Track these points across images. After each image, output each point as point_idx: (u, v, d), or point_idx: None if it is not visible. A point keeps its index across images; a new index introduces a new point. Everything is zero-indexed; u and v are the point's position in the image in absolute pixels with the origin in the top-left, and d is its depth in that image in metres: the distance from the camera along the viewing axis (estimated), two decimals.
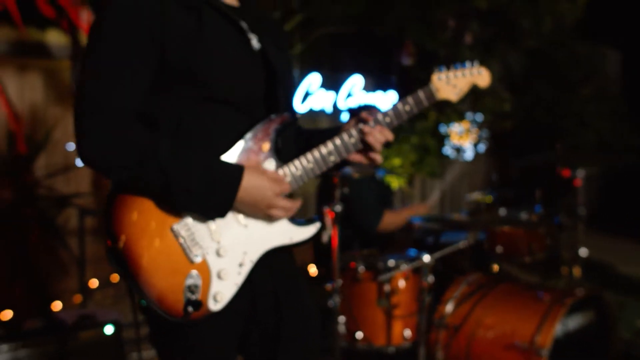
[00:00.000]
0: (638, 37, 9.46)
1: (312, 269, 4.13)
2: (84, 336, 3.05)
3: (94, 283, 5.02)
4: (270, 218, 1.64)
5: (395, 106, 1.83)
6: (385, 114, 1.81)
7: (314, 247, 3.95)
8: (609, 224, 7.73)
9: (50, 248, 4.53)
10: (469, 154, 6.41)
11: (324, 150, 1.74)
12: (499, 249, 3.52)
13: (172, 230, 1.55)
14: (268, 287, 1.73)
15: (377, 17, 5.47)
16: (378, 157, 1.82)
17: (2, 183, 4.24)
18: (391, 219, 3.87)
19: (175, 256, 1.55)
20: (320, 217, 3.13)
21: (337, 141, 1.75)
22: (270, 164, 1.68)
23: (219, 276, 1.58)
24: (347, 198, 3.11)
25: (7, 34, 4.70)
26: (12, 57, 4.74)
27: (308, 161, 1.71)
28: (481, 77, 1.99)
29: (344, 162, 1.86)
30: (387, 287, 3.15)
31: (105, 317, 3.21)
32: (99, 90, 1.50)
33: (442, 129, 6.39)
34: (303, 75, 5.62)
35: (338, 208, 2.93)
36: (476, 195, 4.39)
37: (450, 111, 6.36)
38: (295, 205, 1.66)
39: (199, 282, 1.56)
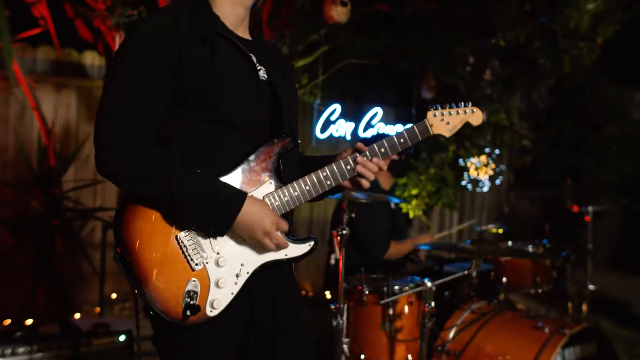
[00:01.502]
0: None
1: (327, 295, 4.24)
2: (97, 343, 3.20)
3: (113, 296, 5.19)
4: (262, 246, 1.77)
5: (391, 138, 1.96)
6: (381, 144, 1.95)
7: (325, 271, 4.07)
8: (629, 263, 7.68)
9: (73, 259, 4.72)
10: (486, 188, 6.48)
11: (321, 174, 1.87)
12: (504, 279, 3.59)
13: (176, 239, 1.70)
14: (267, 298, 1.86)
15: (400, 51, 5.63)
16: (365, 183, 1.95)
17: (32, 194, 4.46)
18: (396, 249, 3.99)
19: (178, 263, 1.69)
20: (330, 241, 3.27)
21: (335, 167, 1.89)
22: (270, 184, 1.82)
23: (216, 284, 1.72)
24: (355, 222, 3.22)
25: (47, 53, 4.98)
26: (51, 76, 5.01)
27: (305, 184, 1.85)
28: (474, 116, 2.11)
29: (338, 187, 1.99)
30: (390, 311, 3.24)
31: (118, 327, 3.35)
32: (120, 110, 1.67)
33: (461, 161, 6.48)
34: (325, 105, 5.80)
35: (344, 231, 3.05)
36: (488, 227, 4.48)
37: (469, 145, 6.46)
38: (286, 244, 1.79)
39: (198, 288, 1.69)
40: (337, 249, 3.14)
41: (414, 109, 6.20)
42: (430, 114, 2.05)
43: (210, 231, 1.70)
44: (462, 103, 2.10)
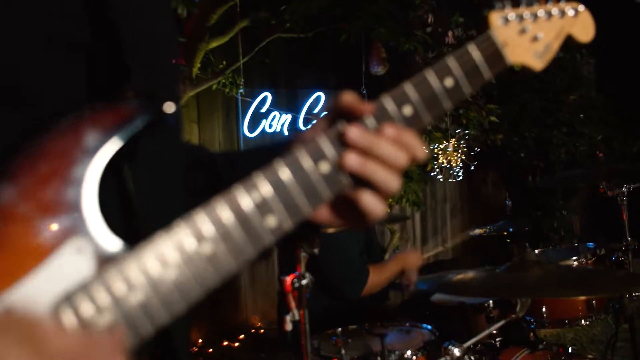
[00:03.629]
0: (612, 41, 8.66)
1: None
2: None
3: None
4: None
5: (423, 81, 0.83)
6: (402, 97, 0.79)
7: (280, 335, 2.86)
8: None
9: None
10: (458, 173, 5.39)
11: (247, 202, 0.66)
12: (544, 308, 2.42)
13: None
14: None
15: (340, 18, 4.44)
16: (379, 209, 0.78)
17: None
18: (377, 277, 2.80)
19: None
20: (281, 294, 2.02)
21: (286, 175, 0.68)
22: (75, 250, 0.57)
23: None
24: (320, 261, 2.04)
25: None
26: None
27: (201, 237, 0.62)
28: (579, 21, 1.03)
29: (307, 229, 0.80)
30: None
31: None
32: None
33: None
34: (252, 95, 4.54)
35: (304, 281, 1.82)
36: (485, 230, 3.37)
37: (431, 128, 5.33)
38: None
39: None
40: (294, 308, 1.90)
41: (364, 88, 5.00)
42: (495, 18, 0.93)
43: None
44: None
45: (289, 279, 1.91)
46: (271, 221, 0.69)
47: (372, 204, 0.75)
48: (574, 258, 2.51)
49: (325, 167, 0.73)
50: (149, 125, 0.67)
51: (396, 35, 4.20)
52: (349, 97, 0.80)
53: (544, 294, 1.96)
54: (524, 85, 7.00)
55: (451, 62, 0.88)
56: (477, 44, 0.92)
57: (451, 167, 5.12)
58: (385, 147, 0.75)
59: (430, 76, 0.84)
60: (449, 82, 0.87)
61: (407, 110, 0.82)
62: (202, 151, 1.04)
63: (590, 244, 2.70)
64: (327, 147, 0.73)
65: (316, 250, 1.88)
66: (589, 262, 2.51)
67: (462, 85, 0.88)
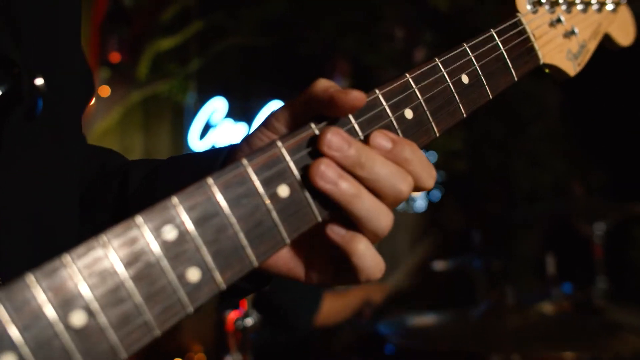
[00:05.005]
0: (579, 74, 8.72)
1: None
2: None
3: None
4: None
5: (429, 74, 0.65)
6: (400, 94, 0.61)
7: None
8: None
9: None
10: (420, 203, 5.17)
11: (152, 242, 0.38)
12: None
13: None
14: None
15: (302, 25, 4.19)
16: (376, 264, 0.57)
17: None
18: (333, 307, 2.50)
19: None
20: (220, 330, 1.72)
21: (219, 202, 0.40)
22: None
23: None
24: (269, 295, 1.76)
25: None
26: None
27: (68, 301, 0.40)
28: (618, 19, 0.86)
29: (253, 282, 0.65)
30: None
31: None
32: None
33: None
34: (202, 101, 4.22)
35: (250, 319, 1.52)
36: (443, 264, 3.16)
37: None
38: None
39: None
40: (236, 351, 1.61)
41: None
42: (523, 1, 0.76)
43: None
44: None
45: (231, 316, 1.61)
46: (192, 275, 0.42)
47: (369, 255, 0.51)
48: (547, 301, 2.25)
49: (284, 190, 0.46)
50: (6, 101, 0.44)
51: (363, 47, 3.97)
52: (326, 84, 0.55)
53: (525, 349, 1.69)
54: (487, 109, 6.88)
55: (469, 51, 0.67)
56: (501, 32, 0.71)
57: (411, 197, 4.90)
58: (381, 165, 0.50)
59: (440, 68, 0.62)
60: (465, 78, 0.67)
61: (408, 113, 0.59)
62: (111, 158, 0.76)
63: (567, 286, 2.47)
64: (290, 159, 0.46)
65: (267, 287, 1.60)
66: (566, 306, 2.28)
67: (481, 85, 0.69)
